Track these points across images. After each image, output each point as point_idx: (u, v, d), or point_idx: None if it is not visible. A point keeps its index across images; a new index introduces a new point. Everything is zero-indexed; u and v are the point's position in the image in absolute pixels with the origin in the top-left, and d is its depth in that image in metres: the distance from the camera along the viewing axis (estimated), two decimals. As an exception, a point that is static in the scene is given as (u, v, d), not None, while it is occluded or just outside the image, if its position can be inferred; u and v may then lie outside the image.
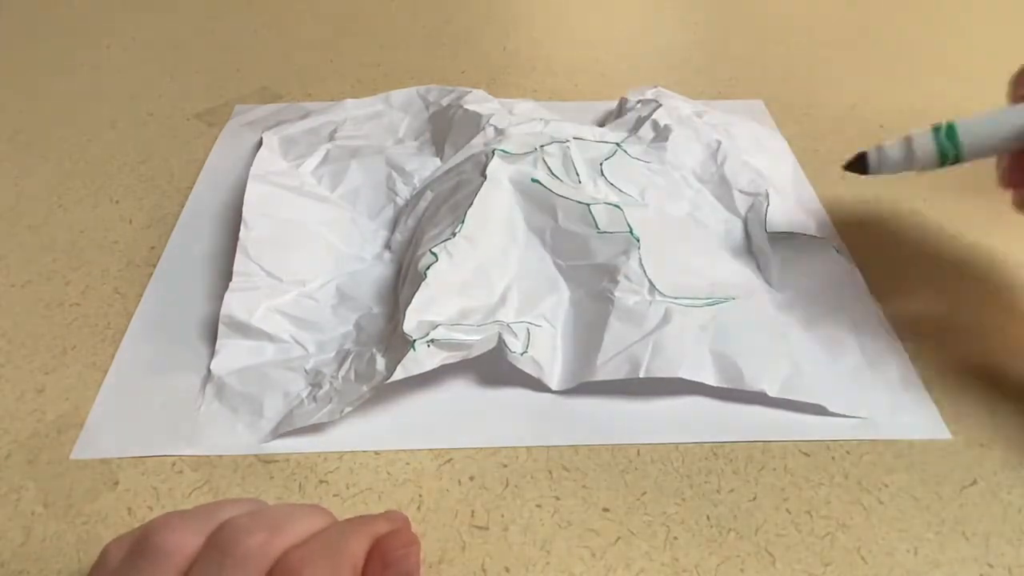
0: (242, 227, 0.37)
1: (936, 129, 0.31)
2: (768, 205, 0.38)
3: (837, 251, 0.36)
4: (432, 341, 0.30)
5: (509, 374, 0.32)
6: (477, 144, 0.40)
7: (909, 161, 0.32)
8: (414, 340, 0.30)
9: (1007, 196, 0.32)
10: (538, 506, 0.28)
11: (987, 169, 0.32)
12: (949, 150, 0.31)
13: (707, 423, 0.31)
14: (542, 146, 0.39)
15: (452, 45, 0.58)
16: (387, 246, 0.39)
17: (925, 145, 0.31)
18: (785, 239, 0.37)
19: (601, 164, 0.39)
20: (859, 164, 0.33)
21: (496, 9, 0.63)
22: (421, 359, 0.30)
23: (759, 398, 0.31)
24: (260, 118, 0.48)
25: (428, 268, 0.33)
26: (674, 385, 0.31)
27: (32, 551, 0.27)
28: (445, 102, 0.46)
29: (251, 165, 0.41)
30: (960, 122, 0.31)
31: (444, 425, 0.31)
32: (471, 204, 0.35)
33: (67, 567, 0.27)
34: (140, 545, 0.22)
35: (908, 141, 0.31)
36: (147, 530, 0.22)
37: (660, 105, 0.44)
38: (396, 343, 0.31)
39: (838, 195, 0.42)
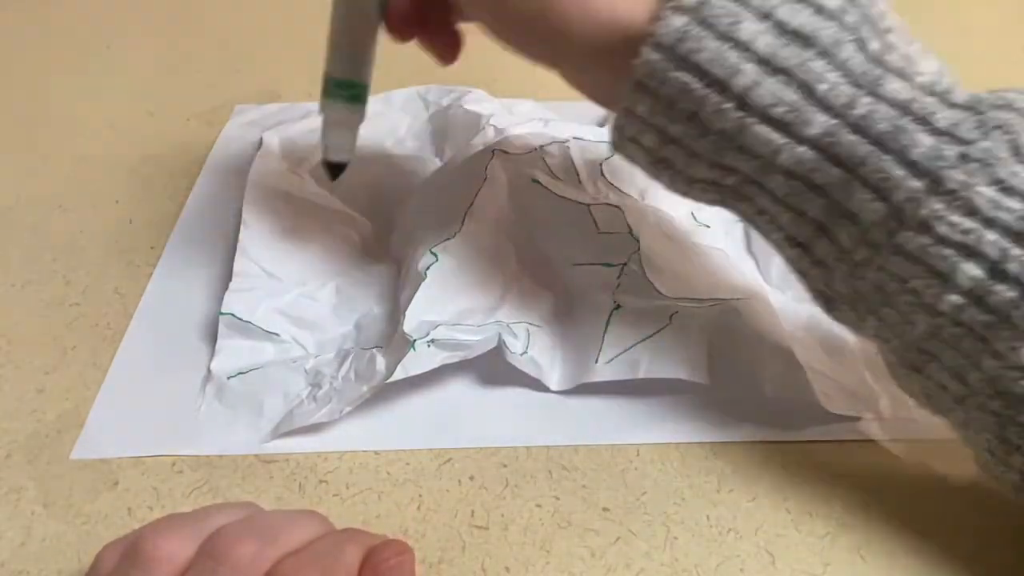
0: (242, 227, 0.37)
1: (327, 91, 0.32)
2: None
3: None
4: (432, 341, 0.30)
5: (509, 374, 0.32)
6: (477, 144, 0.40)
7: (351, 129, 0.33)
8: (414, 340, 0.30)
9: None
10: (538, 506, 0.28)
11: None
12: (357, 92, 0.32)
13: (707, 423, 0.31)
14: (542, 146, 0.39)
15: (452, 45, 0.57)
16: (387, 246, 0.39)
17: (338, 110, 0.32)
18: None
19: (601, 164, 0.39)
20: (336, 168, 0.33)
21: (496, 9, 0.63)
22: (421, 359, 0.30)
23: (759, 398, 0.31)
24: (260, 118, 0.48)
25: (428, 268, 0.33)
26: (674, 385, 0.31)
27: (32, 551, 0.27)
28: (445, 102, 0.46)
29: (251, 165, 0.41)
30: (330, 67, 0.32)
31: (444, 425, 0.31)
32: (471, 204, 0.35)
33: (67, 567, 0.27)
34: (132, 552, 0.22)
35: (331, 122, 0.32)
36: (139, 537, 0.22)
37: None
38: (396, 343, 0.31)
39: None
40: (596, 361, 0.31)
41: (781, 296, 0.36)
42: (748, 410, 0.31)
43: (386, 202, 0.41)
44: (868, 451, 0.30)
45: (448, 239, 0.34)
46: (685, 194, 0.27)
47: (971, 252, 0.22)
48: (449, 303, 0.32)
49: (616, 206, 0.36)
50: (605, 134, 0.42)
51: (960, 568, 0.27)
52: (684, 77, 0.23)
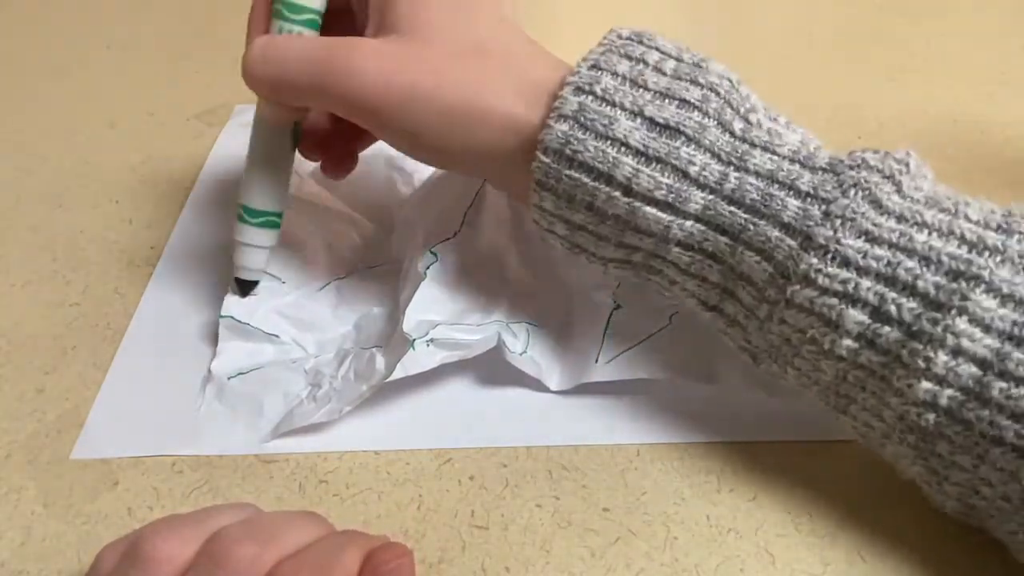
0: (242, 227, 0.37)
1: (243, 219, 0.33)
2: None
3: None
4: (432, 340, 0.30)
5: (509, 374, 0.32)
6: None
7: (266, 251, 0.34)
8: (414, 339, 0.30)
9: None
10: (538, 506, 0.28)
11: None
12: (271, 219, 0.34)
13: (707, 423, 0.31)
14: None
15: (452, 45, 0.57)
16: (387, 246, 0.39)
17: (254, 234, 0.33)
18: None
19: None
20: (247, 285, 0.34)
21: (496, 9, 0.63)
22: (421, 358, 0.30)
23: (759, 398, 0.31)
24: (260, 118, 0.48)
25: (428, 268, 0.33)
26: (674, 385, 0.31)
27: (32, 551, 0.27)
28: (445, 102, 0.46)
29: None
30: (245, 197, 0.33)
31: (444, 425, 0.31)
32: (471, 204, 0.35)
33: (67, 567, 0.27)
34: (131, 553, 0.22)
35: (243, 244, 0.34)
36: (139, 538, 0.22)
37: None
38: (396, 343, 0.31)
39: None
40: (596, 361, 0.31)
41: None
42: (748, 410, 0.31)
43: (386, 202, 0.41)
44: (868, 451, 0.30)
45: (448, 239, 0.34)
46: (605, 272, 0.30)
47: (853, 299, 0.24)
48: (449, 303, 0.32)
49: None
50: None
51: (960, 568, 0.27)
52: (575, 174, 0.26)
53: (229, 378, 0.32)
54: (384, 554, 0.23)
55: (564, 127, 0.26)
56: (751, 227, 0.25)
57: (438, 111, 0.27)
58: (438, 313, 0.32)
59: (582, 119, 0.26)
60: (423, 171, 0.41)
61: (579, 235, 0.28)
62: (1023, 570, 0.26)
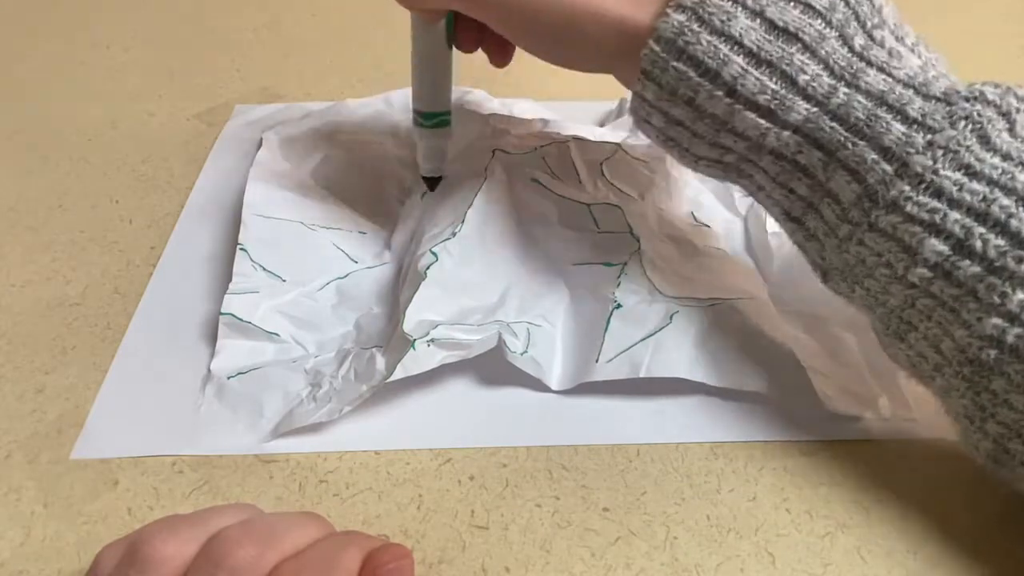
0: (242, 227, 0.37)
1: (419, 123, 0.37)
2: (768, 205, 0.38)
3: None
4: (432, 340, 0.30)
5: (509, 374, 0.32)
6: (477, 144, 0.40)
7: (442, 147, 0.38)
8: (414, 339, 0.30)
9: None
10: (538, 506, 0.28)
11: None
12: (443, 119, 0.37)
13: (707, 423, 0.31)
14: (542, 146, 0.39)
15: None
16: (387, 246, 0.39)
17: (430, 135, 0.37)
18: (785, 239, 0.37)
19: (601, 164, 0.39)
20: (433, 181, 0.38)
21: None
22: (421, 358, 0.30)
23: (759, 398, 0.31)
24: (260, 118, 0.48)
25: (428, 268, 0.33)
26: (674, 385, 0.31)
27: (32, 551, 0.27)
28: (445, 102, 0.46)
29: (251, 165, 0.41)
30: (416, 101, 0.37)
31: (444, 425, 0.31)
32: (471, 204, 0.35)
33: (67, 567, 0.27)
34: (131, 554, 0.22)
35: (429, 145, 0.37)
36: (139, 539, 0.22)
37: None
38: (396, 343, 0.31)
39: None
40: (596, 360, 0.31)
41: (781, 296, 0.36)
42: (748, 410, 0.31)
43: (386, 202, 0.41)
44: (868, 451, 0.30)
45: (448, 239, 0.34)
46: (695, 169, 0.30)
47: (937, 230, 0.24)
48: (449, 303, 0.32)
49: (616, 206, 0.36)
50: (605, 134, 0.42)
51: (960, 568, 0.27)
52: (681, 67, 0.27)
53: (229, 378, 0.32)
54: (384, 555, 0.23)
55: (681, 17, 0.26)
56: (849, 146, 0.25)
57: (558, 3, 0.29)
58: (438, 313, 0.32)
59: (700, 11, 0.26)
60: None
61: (674, 129, 0.28)
62: (1020, 567, 0.26)
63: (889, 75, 0.25)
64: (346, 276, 0.37)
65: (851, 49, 0.26)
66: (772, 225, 0.37)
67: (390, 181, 0.41)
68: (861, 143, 0.25)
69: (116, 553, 0.22)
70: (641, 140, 0.42)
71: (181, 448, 0.30)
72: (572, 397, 0.32)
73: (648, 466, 0.30)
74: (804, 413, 0.31)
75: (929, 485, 0.29)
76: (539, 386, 0.32)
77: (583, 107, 0.50)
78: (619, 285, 0.33)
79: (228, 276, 0.35)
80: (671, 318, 0.32)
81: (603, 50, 0.29)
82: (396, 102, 0.48)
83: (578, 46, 0.30)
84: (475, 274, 0.34)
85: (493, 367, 0.32)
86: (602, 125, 0.46)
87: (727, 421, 0.31)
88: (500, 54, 0.37)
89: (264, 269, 0.36)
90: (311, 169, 0.43)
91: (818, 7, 0.26)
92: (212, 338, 0.34)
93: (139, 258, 0.39)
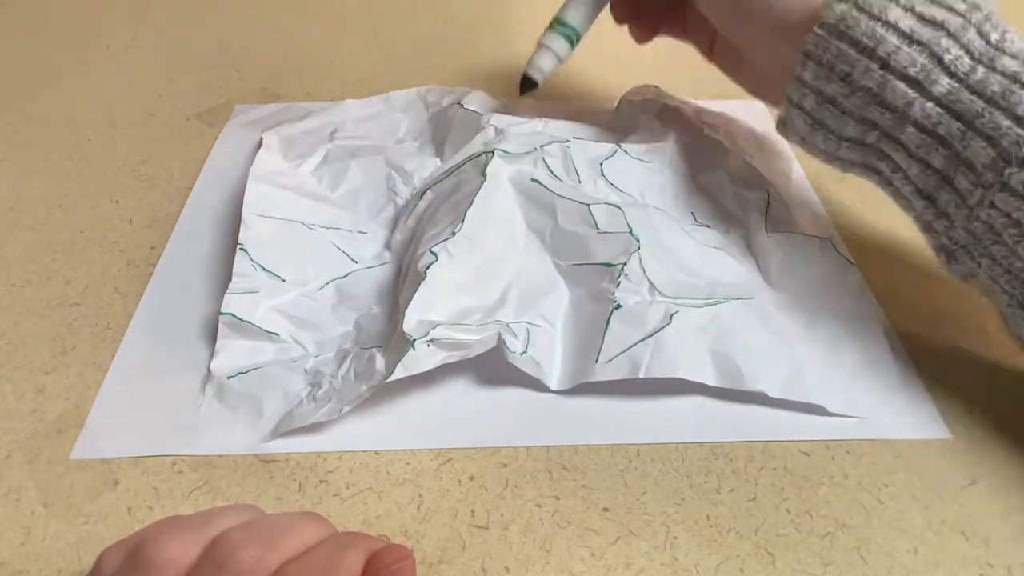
0: (242, 227, 0.37)
1: (552, 25, 0.40)
2: (768, 205, 0.38)
3: (837, 251, 0.36)
4: (432, 340, 0.30)
5: (509, 374, 0.32)
6: (477, 144, 0.40)
7: (556, 57, 0.41)
8: (414, 339, 0.30)
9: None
10: (538, 506, 0.28)
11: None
12: (570, 33, 0.40)
13: (707, 423, 0.31)
14: (542, 146, 0.39)
15: (452, 45, 0.58)
16: (387, 246, 0.39)
17: (554, 39, 0.40)
18: (785, 239, 0.37)
19: (601, 164, 0.39)
20: (528, 84, 0.41)
21: (496, 9, 0.63)
22: (421, 358, 0.30)
23: (759, 398, 0.31)
24: (260, 118, 0.48)
25: (428, 268, 0.33)
26: (674, 385, 0.31)
27: (32, 551, 0.27)
28: (445, 102, 0.46)
29: (251, 165, 0.41)
30: (562, 11, 0.41)
31: (444, 425, 0.31)
32: (471, 204, 0.35)
33: (67, 567, 0.27)
34: (133, 556, 0.22)
35: (543, 46, 0.40)
36: (142, 540, 0.22)
37: (660, 105, 0.44)
38: (396, 343, 0.31)
39: (838, 194, 0.42)
40: (596, 360, 0.31)
41: (781, 296, 0.36)
42: (748, 410, 0.31)
43: (386, 202, 0.41)
44: (868, 451, 0.30)
45: (448, 239, 0.34)
46: (835, 155, 0.33)
47: None
48: (449, 303, 0.32)
49: (616, 206, 0.36)
50: (605, 134, 0.42)
51: (960, 568, 0.27)
52: (842, 46, 0.31)
53: (229, 378, 0.32)
54: (386, 556, 0.23)
55: (844, 7, 0.30)
56: (986, 115, 0.28)
57: None
58: (438, 313, 0.32)
59: (861, 2, 0.30)
60: (423, 171, 0.41)
61: (825, 109, 0.32)
62: (1023, 571, 0.26)
63: (1021, 60, 0.29)
64: (346, 276, 0.37)
65: (987, 41, 0.29)
66: (772, 225, 0.37)
67: (390, 181, 0.41)
68: (997, 112, 0.28)
69: (118, 555, 0.22)
70: (641, 140, 0.42)
71: (181, 448, 0.30)
72: (572, 397, 0.32)
73: (648, 466, 0.30)
74: (804, 413, 0.31)
75: (929, 485, 0.29)
76: (539, 386, 0.32)
77: (583, 107, 0.50)
78: (619, 285, 0.33)
79: (228, 276, 0.35)
80: (671, 318, 0.32)
81: (775, 25, 0.33)
82: (396, 102, 0.48)
83: (756, 17, 0.34)
84: (475, 274, 0.34)
85: (493, 367, 0.32)
86: (602, 125, 0.46)
87: (727, 421, 0.31)
88: (642, 30, 0.42)
89: (264, 269, 0.36)
90: (311, 169, 0.43)
91: (957, 9, 0.29)
92: (212, 338, 0.34)
93: (139, 258, 0.39)
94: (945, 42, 0.29)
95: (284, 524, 0.23)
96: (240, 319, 0.33)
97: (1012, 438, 0.31)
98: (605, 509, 0.28)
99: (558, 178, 0.38)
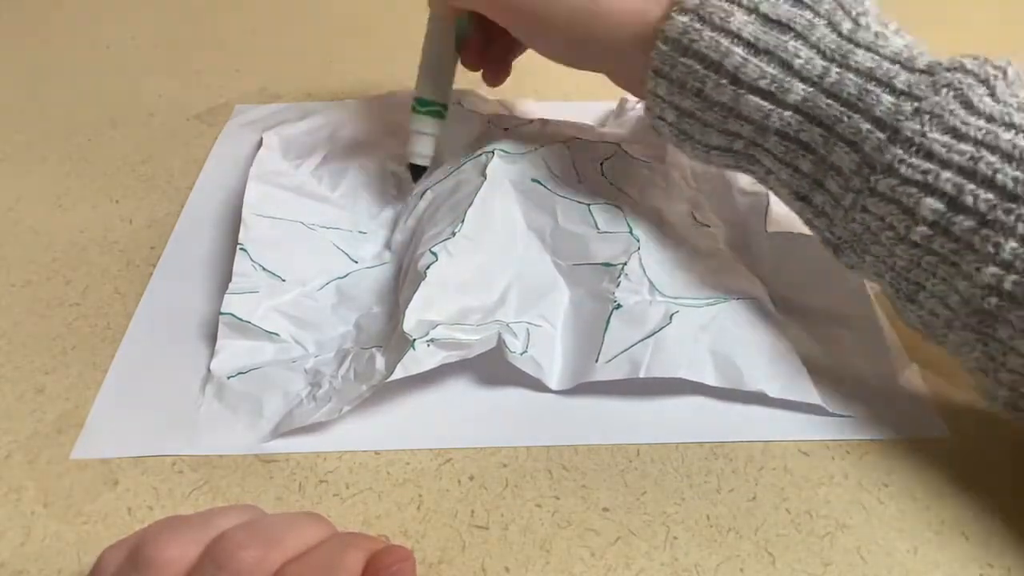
0: (242, 227, 0.37)
1: (415, 109, 0.40)
2: (768, 205, 0.38)
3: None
4: (432, 340, 0.30)
5: (509, 374, 0.32)
6: (477, 144, 0.40)
7: (432, 136, 0.40)
8: (414, 339, 0.30)
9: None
10: (538, 506, 0.28)
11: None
12: (436, 109, 0.40)
13: (707, 423, 0.31)
14: (542, 146, 0.39)
15: (452, 45, 0.58)
16: (387, 246, 0.39)
17: (423, 122, 0.40)
18: (785, 239, 0.37)
19: (601, 164, 0.39)
20: (417, 171, 0.40)
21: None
22: (421, 358, 0.30)
23: (759, 398, 0.31)
24: (260, 118, 0.48)
25: (428, 268, 0.33)
26: (674, 385, 0.31)
27: (32, 551, 0.27)
28: (445, 102, 0.46)
29: (251, 165, 0.41)
30: (417, 90, 0.40)
31: (444, 425, 0.31)
32: (471, 204, 0.35)
33: (67, 567, 0.27)
34: (134, 556, 0.22)
35: (415, 132, 0.40)
36: (142, 541, 0.22)
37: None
38: (396, 342, 0.31)
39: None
40: (596, 360, 0.31)
41: (781, 296, 0.35)
42: (748, 410, 0.31)
43: (386, 202, 0.41)
44: (869, 451, 0.30)
45: (448, 239, 0.34)
46: (707, 161, 0.33)
47: (931, 190, 0.26)
48: (449, 303, 0.32)
49: (616, 206, 0.36)
50: (605, 134, 0.42)
51: (960, 568, 0.27)
52: (688, 62, 0.29)
53: (229, 378, 0.32)
54: (387, 557, 0.23)
55: (684, 19, 0.29)
56: (845, 119, 0.27)
57: (569, 8, 0.32)
58: (438, 313, 0.32)
59: (701, 12, 0.29)
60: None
61: (686, 121, 0.31)
62: (1022, 571, 0.26)
63: (876, 53, 0.28)
64: (346, 276, 0.37)
65: (839, 34, 0.28)
66: (772, 225, 0.37)
67: (390, 181, 0.41)
68: (855, 116, 0.27)
69: (118, 555, 0.22)
70: (641, 140, 0.42)
71: (181, 448, 0.30)
72: (572, 397, 0.32)
73: (648, 466, 0.30)
74: (804, 413, 0.31)
75: (929, 485, 0.29)
76: (539, 386, 0.32)
77: (583, 107, 0.50)
78: (619, 285, 0.33)
79: (228, 276, 0.35)
80: (671, 318, 0.32)
81: (612, 48, 0.32)
82: (396, 102, 0.48)
83: (590, 45, 0.32)
84: (475, 274, 0.34)
85: (493, 367, 0.32)
86: (602, 125, 0.46)
87: (727, 421, 0.31)
88: (495, 73, 0.41)
89: (264, 269, 0.36)
90: (311, 169, 0.43)
91: (806, 0, 0.28)
92: (212, 338, 0.34)
93: (139, 258, 0.39)
94: (793, 45, 0.28)
95: (284, 524, 0.23)
96: (240, 319, 0.33)
97: (1012, 438, 0.31)
98: (605, 509, 0.28)
99: (558, 178, 0.38)
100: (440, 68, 0.40)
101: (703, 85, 0.29)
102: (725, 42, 0.28)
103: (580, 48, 0.33)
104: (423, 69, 0.40)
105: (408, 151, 0.40)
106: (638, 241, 0.34)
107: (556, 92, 0.51)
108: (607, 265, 0.34)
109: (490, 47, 0.40)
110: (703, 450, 0.30)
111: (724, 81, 0.29)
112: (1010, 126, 0.25)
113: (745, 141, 0.30)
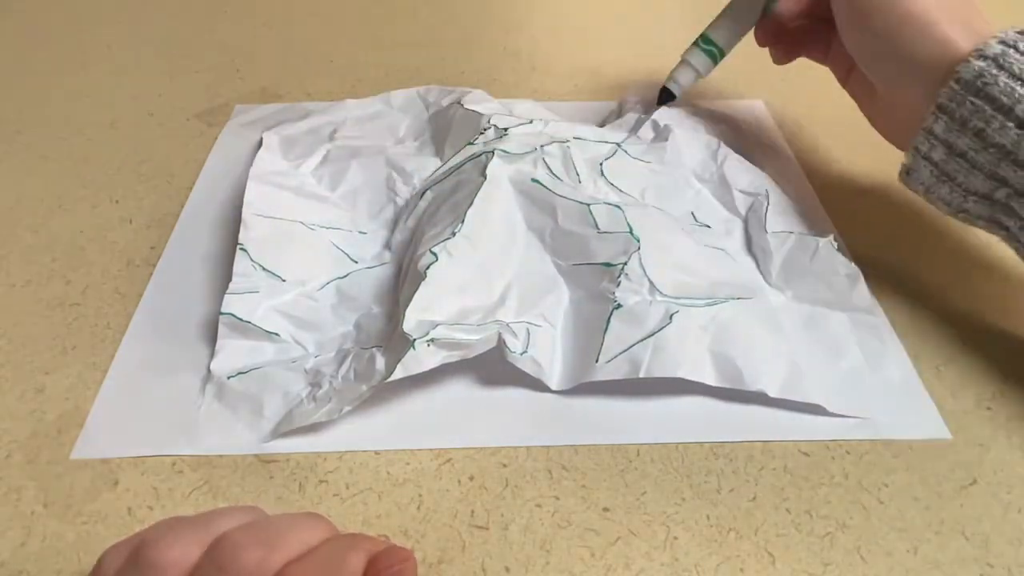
0: (242, 227, 0.37)
1: (696, 42, 0.42)
2: (768, 205, 0.38)
3: (837, 250, 0.36)
4: (432, 340, 0.30)
5: (509, 374, 0.32)
6: (477, 144, 0.40)
7: (697, 73, 0.43)
8: (414, 339, 0.30)
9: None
10: (538, 506, 0.28)
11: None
12: (714, 51, 0.42)
13: (707, 423, 0.31)
14: (542, 146, 0.39)
15: (452, 45, 0.58)
16: (387, 246, 0.39)
17: (698, 56, 0.42)
18: (785, 239, 0.37)
19: (601, 164, 0.39)
20: (666, 96, 0.43)
21: (496, 9, 0.63)
22: (421, 358, 0.30)
23: (759, 398, 0.31)
24: (260, 118, 0.48)
25: (428, 268, 0.33)
26: (674, 385, 0.31)
27: (32, 551, 0.27)
28: (445, 102, 0.46)
29: (251, 165, 0.41)
30: (709, 29, 0.43)
31: (444, 425, 0.31)
32: (471, 204, 0.35)
33: (67, 567, 0.27)
34: (135, 557, 0.22)
35: (685, 61, 0.43)
36: (143, 541, 0.22)
37: (660, 105, 0.44)
38: (396, 342, 0.31)
39: (838, 194, 0.42)
40: (596, 360, 0.31)
41: (781, 296, 0.36)
42: (748, 410, 0.31)
43: (386, 202, 0.41)
44: (868, 451, 0.30)
45: (448, 239, 0.34)
46: (961, 208, 0.33)
47: None
48: (449, 302, 0.32)
49: (616, 206, 0.36)
50: (605, 134, 0.42)
51: (960, 568, 0.27)
52: (978, 102, 0.31)
53: (229, 378, 0.32)
54: (388, 558, 0.23)
55: (982, 63, 0.30)
56: None
57: (901, 12, 0.33)
58: (438, 313, 0.32)
59: (1001, 60, 0.30)
60: (423, 171, 0.41)
61: (954, 162, 0.32)
62: (1023, 571, 0.26)
63: None
64: (346, 276, 0.37)
65: None
66: (772, 225, 0.37)
67: (390, 181, 0.41)
68: None
69: (119, 556, 0.22)
70: (641, 140, 0.42)
71: (181, 448, 0.30)
72: (572, 397, 0.32)
73: (648, 466, 0.30)
74: (804, 413, 0.31)
75: (929, 485, 0.29)
76: (539, 386, 0.32)
77: (583, 107, 0.50)
78: (619, 285, 0.33)
79: (228, 276, 0.35)
80: (671, 318, 0.32)
81: (915, 61, 0.33)
82: (396, 102, 0.48)
83: (898, 52, 0.33)
84: (475, 274, 0.34)
85: (493, 367, 0.32)
86: (602, 125, 0.46)
87: (727, 421, 0.31)
88: (785, 54, 0.42)
89: (264, 269, 0.36)
90: (311, 169, 0.43)
91: None
92: (212, 338, 0.34)
93: (139, 258, 0.39)
94: None
95: (285, 525, 0.23)
96: (240, 319, 0.33)
97: (1012, 438, 0.31)
98: (605, 509, 0.28)
99: (558, 178, 0.38)
100: (738, 21, 0.42)
101: (987, 125, 0.30)
102: (1020, 89, 0.30)
103: (887, 58, 0.34)
104: (725, 13, 0.42)
105: (670, 76, 0.43)
106: (638, 241, 0.35)
107: (556, 92, 0.51)
108: (607, 265, 0.34)
109: (784, 34, 0.42)
110: (703, 450, 0.30)
111: (1010, 124, 0.30)
112: None
113: (1010, 191, 0.31)
